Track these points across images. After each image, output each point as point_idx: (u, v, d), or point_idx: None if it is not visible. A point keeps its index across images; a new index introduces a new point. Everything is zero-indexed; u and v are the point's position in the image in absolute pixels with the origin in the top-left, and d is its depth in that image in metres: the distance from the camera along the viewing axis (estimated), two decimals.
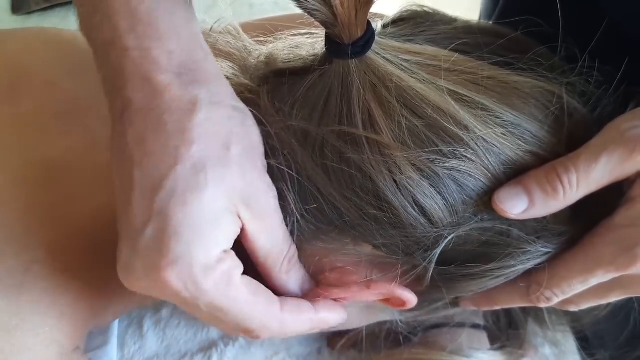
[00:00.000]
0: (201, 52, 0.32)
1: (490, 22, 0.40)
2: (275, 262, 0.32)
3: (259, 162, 0.32)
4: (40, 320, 0.35)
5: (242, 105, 0.32)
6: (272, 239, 0.32)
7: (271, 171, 0.33)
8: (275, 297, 0.33)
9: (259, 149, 0.32)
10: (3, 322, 0.34)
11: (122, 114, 0.30)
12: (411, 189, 0.32)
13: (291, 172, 0.33)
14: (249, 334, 0.32)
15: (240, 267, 0.31)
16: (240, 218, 0.30)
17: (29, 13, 0.83)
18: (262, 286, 0.32)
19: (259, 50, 0.39)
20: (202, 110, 0.29)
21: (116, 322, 0.49)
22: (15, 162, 0.39)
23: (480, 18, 0.61)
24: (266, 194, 0.32)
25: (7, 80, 0.43)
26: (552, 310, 0.47)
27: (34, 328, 0.35)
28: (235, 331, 0.33)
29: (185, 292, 0.29)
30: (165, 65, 0.29)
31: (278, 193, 0.33)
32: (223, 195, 0.29)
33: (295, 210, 0.33)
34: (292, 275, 0.34)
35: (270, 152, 0.33)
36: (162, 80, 0.29)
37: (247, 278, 0.31)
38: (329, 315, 0.35)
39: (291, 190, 0.33)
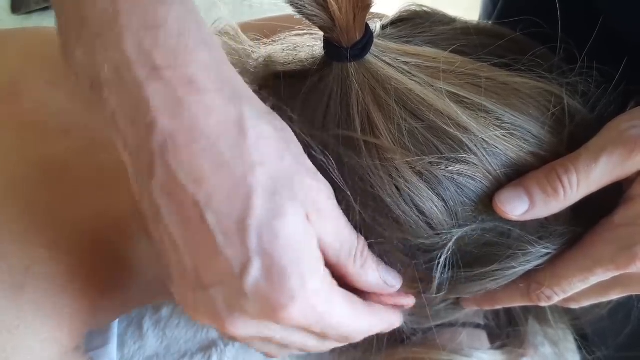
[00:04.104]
0: (228, 65, 0.30)
1: (490, 22, 0.40)
2: (347, 258, 0.32)
3: (309, 162, 0.31)
4: (41, 320, 0.36)
5: (272, 111, 0.32)
6: (340, 236, 0.31)
7: None
8: (359, 300, 0.33)
9: (302, 149, 0.31)
10: (4, 322, 0.34)
11: (162, 154, 0.27)
12: (411, 192, 0.31)
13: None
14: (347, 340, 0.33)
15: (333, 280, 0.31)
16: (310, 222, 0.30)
17: (29, 13, 0.83)
18: (349, 292, 0.32)
19: (258, 51, 0.39)
20: (251, 127, 0.28)
21: (116, 322, 0.49)
22: (14, 161, 0.39)
23: (480, 18, 0.61)
24: (326, 193, 0.31)
25: (6, 80, 0.43)
26: (553, 308, 0.47)
27: (35, 328, 0.35)
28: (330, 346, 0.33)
29: (305, 321, 0.29)
30: (204, 83, 0.27)
31: None
32: (299, 210, 0.28)
33: None
34: (368, 268, 0.33)
35: None
36: (205, 101, 0.27)
37: (340, 289, 0.31)
38: (393, 317, 0.35)
39: None
